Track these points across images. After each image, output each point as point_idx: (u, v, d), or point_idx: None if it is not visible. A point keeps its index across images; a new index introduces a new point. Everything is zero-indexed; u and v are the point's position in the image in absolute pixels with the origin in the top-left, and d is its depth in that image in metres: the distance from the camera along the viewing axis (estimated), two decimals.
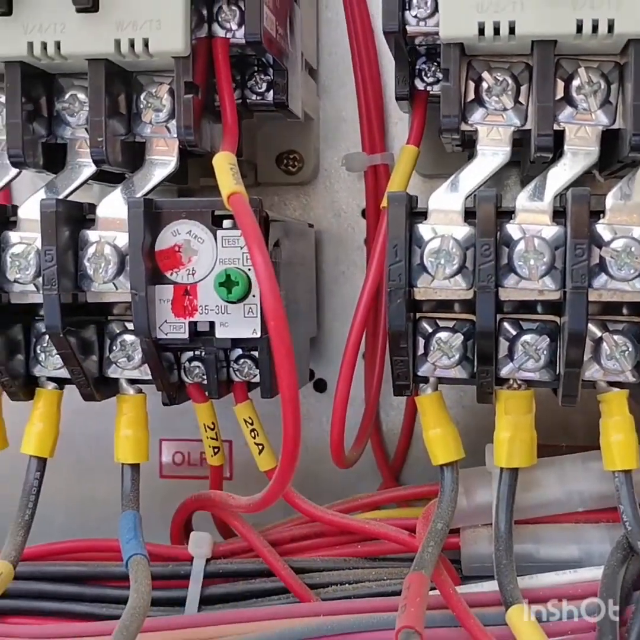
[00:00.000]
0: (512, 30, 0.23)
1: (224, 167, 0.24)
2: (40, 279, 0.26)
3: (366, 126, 0.33)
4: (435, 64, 0.28)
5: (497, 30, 0.23)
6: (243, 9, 0.25)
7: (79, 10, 0.24)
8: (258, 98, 0.29)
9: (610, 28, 0.23)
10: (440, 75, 0.27)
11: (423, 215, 0.25)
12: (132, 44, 0.24)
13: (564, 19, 0.23)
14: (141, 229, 0.25)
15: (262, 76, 0.29)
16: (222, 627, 0.27)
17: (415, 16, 0.25)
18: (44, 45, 0.24)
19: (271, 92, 0.29)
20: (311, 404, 0.36)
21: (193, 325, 0.26)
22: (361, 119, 0.33)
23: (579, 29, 0.23)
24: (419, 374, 0.26)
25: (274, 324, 0.21)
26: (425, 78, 0.28)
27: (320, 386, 0.36)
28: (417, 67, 0.28)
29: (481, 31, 0.23)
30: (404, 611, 0.22)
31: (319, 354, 0.35)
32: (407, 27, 0.25)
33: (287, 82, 0.29)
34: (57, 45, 0.24)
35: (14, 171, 0.27)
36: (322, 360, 0.35)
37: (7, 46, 0.24)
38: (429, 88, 0.28)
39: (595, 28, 0.23)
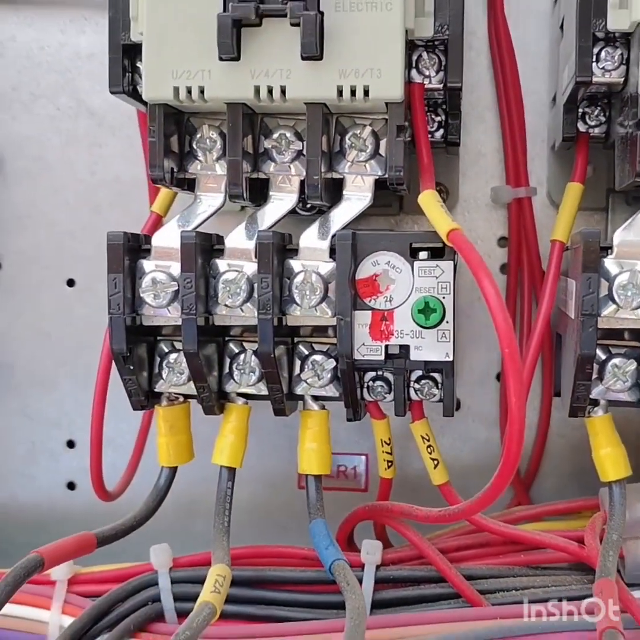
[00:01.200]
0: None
1: (434, 205, 0.26)
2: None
3: (511, 160, 0.35)
4: (599, 107, 0.31)
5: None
6: (441, 57, 0.28)
7: (304, 59, 0.26)
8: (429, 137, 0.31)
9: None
10: (602, 119, 0.30)
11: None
12: (353, 91, 0.26)
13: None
14: (348, 259, 0.27)
15: (433, 116, 0.31)
16: (400, 629, 0.29)
17: (602, 68, 0.27)
18: (269, 90, 0.26)
19: (441, 130, 0.31)
20: None
21: (387, 348, 0.28)
22: (506, 154, 0.36)
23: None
24: (592, 396, 0.28)
25: (508, 351, 0.23)
26: (588, 121, 0.31)
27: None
28: (581, 110, 0.31)
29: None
30: (604, 613, 0.25)
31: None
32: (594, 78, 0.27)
33: (459, 122, 0.31)
34: (283, 89, 0.26)
35: (218, 203, 0.29)
36: (457, 380, 0.37)
37: (234, 90, 0.27)
38: (590, 130, 0.31)
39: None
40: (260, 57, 0.26)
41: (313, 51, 0.26)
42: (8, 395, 0.40)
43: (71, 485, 0.41)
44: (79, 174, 0.39)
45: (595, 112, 0.31)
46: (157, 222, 0.33)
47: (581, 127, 0.31)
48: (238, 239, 0.29)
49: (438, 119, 0.31)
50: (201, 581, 0.27)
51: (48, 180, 0.39)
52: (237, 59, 0.26)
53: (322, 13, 0.26)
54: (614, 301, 0.27)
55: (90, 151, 0.39)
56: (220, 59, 0.26)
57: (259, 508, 0.39)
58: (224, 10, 0.26)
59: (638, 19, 0.25)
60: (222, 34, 0.26)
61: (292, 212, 0.29)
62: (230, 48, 0.26)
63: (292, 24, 0.26)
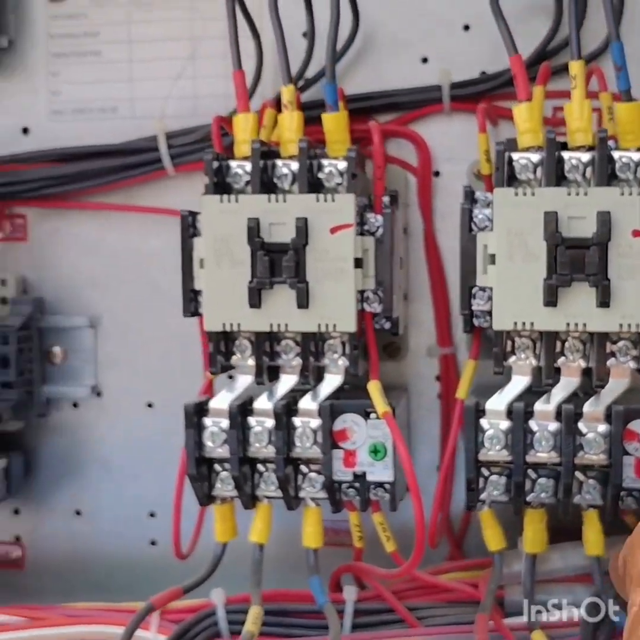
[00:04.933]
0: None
1: (377, 392, 0.44)
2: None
3: None
4: None
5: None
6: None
7: (298, 306, 0.44)
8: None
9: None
10: None
11: None
12: (326, 325, 0.45)
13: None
14: (328, 420, 0.45)
15: None
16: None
17: None
18: (279, 325, 0.45)
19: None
20: None
21: (354, 472, 0.46)
22: None
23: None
24: (480, 499, 0.46)
25: (411, 478, 0.41)
26: None
27: None
28: None
29: None
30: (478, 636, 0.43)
31: None
32: None
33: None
34: (282, 325, 0.45)
35: (248, 382, 0.47)
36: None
37: (257, 325, 0.45)
38: None
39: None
40: (274, 307, 0.45)
41: (304, 305, 0.44)
42: (106, 482, 0.59)
43: (153, 542, 0.59)
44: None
45: None
46: (209, 385, 0.51)
47: None
48: (263, 402, 0.47)
49: None
50: (244, 611, 0.46)
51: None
52: (259, 307, 0.45)
53: (307, 283, 0.44)
54: (484, 446, 0.44)
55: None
56: (250, 306, 0.45)
57: (280, 560, 0.56)
58: (251, 282, 0.44)
59: None
60: (251, 296, 0.44)
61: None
62: (256, 303, 0.44)
63: (291, 288, 0.44)
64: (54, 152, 0.56)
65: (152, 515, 0.59)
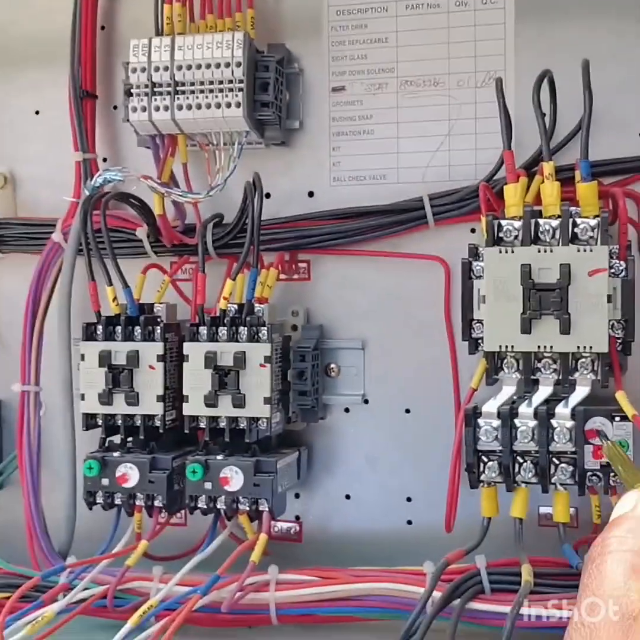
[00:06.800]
0: None
1: (625, 400, 0.57)
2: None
3: None
4: None
5: None
6: None
7: None
8: None
9: None
10: None
11: None
12: None
13: None
14: (582, 422, 0.58)
15: None
16: None
17: None
18: None
19: None
20: None
21: (600, 463, 0.59)
22: None
23: None
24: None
25: None
26: None
27: None
28: None
29: None
30: None
31: None
32: None
33: None
34: None
35: None
36: None
37: None
38: None
39: None
40: (541, 333, 0.58)
41: (567, 331, 0.57)
42: (370, 473, 0.73)
43: (409, 522, 0.73)
44: None
45: None
46: (471, 395, 0.65)
47: None
48: (524, 408, 0.60)
49: None
50: (502, 573, 0.60)
51: None
52: (529, 333, 0.58)
53: (569, 314, 0.57)
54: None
55: None
56: (522, 332, 0.58)
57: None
58: (523, 314, 0.58)
59: None
60: (523, 324, 0.58)
61: None
62: (528, 330, 0.58)
63: (556, 318, 0.57)
64: (335, 211, 0.71)
65: (408, 500, 0.72)
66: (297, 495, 0.75)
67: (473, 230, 0.69)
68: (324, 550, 0.74)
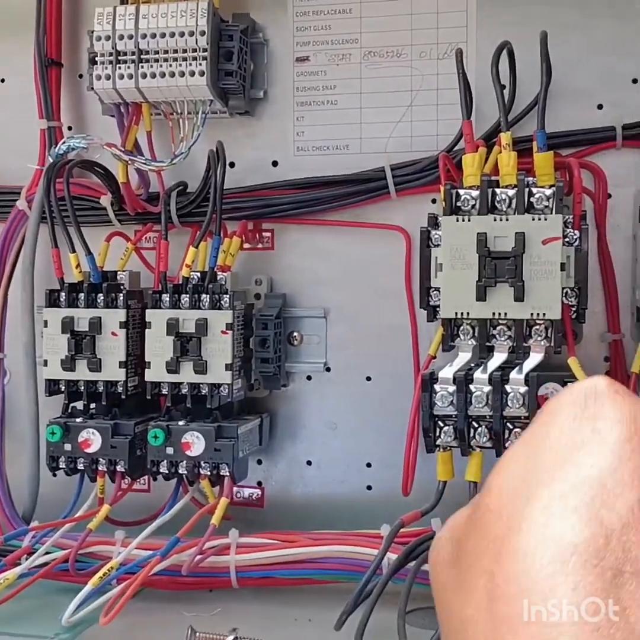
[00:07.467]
0: None
1: (577, 365, 0.58)
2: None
3: None
4: None
5: None
6: None
7: None
8: None
9: None
10: None
11: None
12: None
13: None
14: (535, 387, 0.60)
15: None
16: None
17: None
18: None
19: None
20: None
21: None
22: None
23: None
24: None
25: None
26: None
27: None
28: None
29: None
30: None
31: None
32: None
33: None
34: None
35: None
36: None
37: None
38: None
39: None
40: (496, 301, 0.59)
41: (520, 298, 0.58)
42: (331, 439, 0.74)
43: (369, 488, 0.74)
44: None
45: None
46: (429, 362, 0.66)
47: None
48: (480, 374, 0.61)
49: None
50: None
51: None
52: (485, 300, 0.59)
53: (523, 282, 0.58)
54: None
55: None
56: (477, 299, 0.59)
57: None
58: (479, 281, 0.59)
59: None
60: (479, 292, 0.59)
61: None
62: (483, 297, 0.59)
63: (510, 286, 0.59)
64: (298, 181, 0.72)
65: (368, 465, 0.74)
66: (259, 462, 0.76)
67: (434, 201, 0.69)
68: (285, 515, 0.75)
